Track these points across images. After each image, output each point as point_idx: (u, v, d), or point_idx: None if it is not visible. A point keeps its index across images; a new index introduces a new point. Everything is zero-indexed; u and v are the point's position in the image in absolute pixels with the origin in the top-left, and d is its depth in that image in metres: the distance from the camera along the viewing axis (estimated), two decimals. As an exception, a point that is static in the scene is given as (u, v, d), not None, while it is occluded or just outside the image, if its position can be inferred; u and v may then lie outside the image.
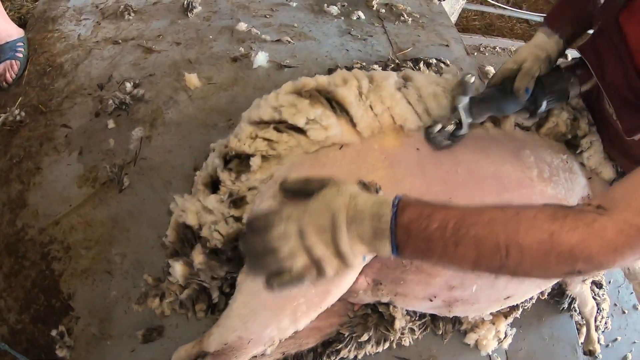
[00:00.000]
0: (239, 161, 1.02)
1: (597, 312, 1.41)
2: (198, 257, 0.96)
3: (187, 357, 0.87)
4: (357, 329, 1.04)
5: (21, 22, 1.75)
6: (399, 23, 1.88)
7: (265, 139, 0.99)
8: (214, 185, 1.06)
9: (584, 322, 1.37)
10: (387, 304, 1.05)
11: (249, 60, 1.56)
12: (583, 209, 0.68)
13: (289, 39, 1.67)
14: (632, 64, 0.91)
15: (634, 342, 1.51)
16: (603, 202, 0.68)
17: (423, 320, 1.12)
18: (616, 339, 1.48)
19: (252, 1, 1.82)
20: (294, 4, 1.84)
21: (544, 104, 1.03)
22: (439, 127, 1.01)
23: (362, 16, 1.84)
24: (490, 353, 1.16)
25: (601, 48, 0.98)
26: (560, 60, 1.11)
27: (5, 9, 1.60)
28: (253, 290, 0.85)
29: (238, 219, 0.97)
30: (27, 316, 1.08)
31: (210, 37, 1.63)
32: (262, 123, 1.02)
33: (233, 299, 0.88)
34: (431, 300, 1.00)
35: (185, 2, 1.72)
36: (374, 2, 1.92)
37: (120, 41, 1.59)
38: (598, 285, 1.45)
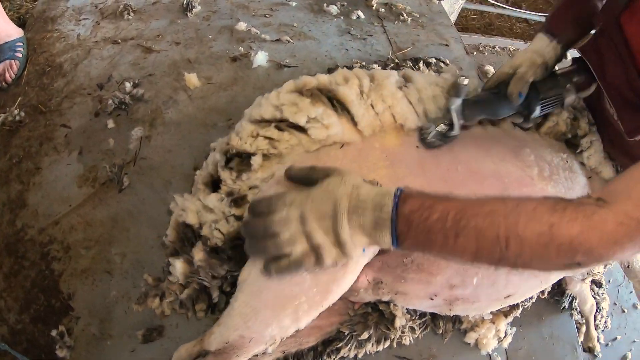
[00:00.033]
0: (239, 160, 1.02)
1: (597, 311, 1.41)
2: (198, 254, 0.96)
3: (188, 356, 0.87)
4: (358, 328, 1.04)
5: (20, 22, 1.75)
6: (398, 22, 1.88)
7: (266, 137, 0.99)
8: (214, 184, 1.06)
9: (584, 321, 1.37)
10: (387, 303, 1.05)
11: (248, 59, 1.55)
12: (583, 201, 0.69)
13: (289, 39, 1.67)
14: (633, 64, 0.91)
15: (634, 341, 1.51)
16: (603, 195, 0.68)
17: (423, 319, 1.12)
18: (616, 338, 1.48)
19: (251, 1, 1.82)
20: (294, 4, 1.84)
21: (538, 109, 1.04)
22: (431, 127, 1.01)
23: (362, 16, 1.84)
24: (490, 352, 1.16)
25: (602, 48, 0.98)
26: (560, 65, 1.12)
27: (5, 9, 1.60)
28: (254, 289, 0.85)
29: (239, 218, 0.97)
30: (27, 316, 1.08)
31: (210, 36, 1.63)
32: (263, 122, 1.02)
33: (234, 297, 0.88)
34: (432, 299, 1.00)
35: (185, 1, 1.72)
36: (373, 2, 1.92)
37: (119, 41, 1.59)
38: (598, 284, 1.45)
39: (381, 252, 0.93)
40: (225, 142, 1.08)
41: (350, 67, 1.47)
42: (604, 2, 1.01)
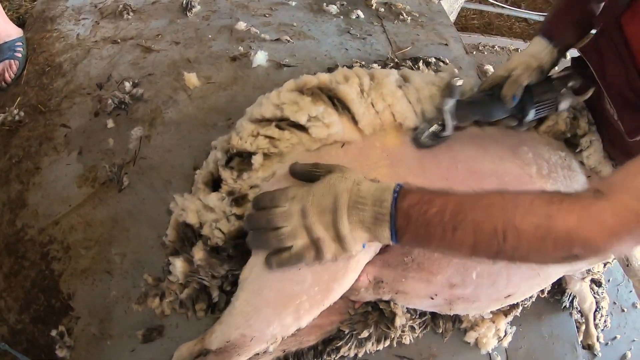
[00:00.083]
0: (240, 159, 1.02)
1: (597, 311, 1.42)
2: (198, 253, 0.96)
3: (189, 354, 0.87)
4: (358, 327, 1.04)
5: (20, 22, 1.74)
6: (398, 22, 1.88)
7: (267, 136, 0.99)
8: (214, 183, 1.06)
9: (583, 320, 1.37)
10: (387, 302, 1.05)
11: (248, 59, 1.55)
12: (580, 194, 0.69)
13: (288, 38, 1.67)
14: (633, 64, 0.91)
15: (634, 340, 1.51)
16: (601, 188, 0.68)
17: (423, 319, 1.12)
18: (615, 337, 1.48)
19: (251, 0, 1.82)
20: (293, 3, 1.84)
21: (532, 112, 1.04)
22: (423, 127, 1.01)
23: (361, 15, 1.84)
24: (490, 351, 1.16)
25: (603, 48, 0.98)
26: (559, 67, 1.12)
27: (4, 9, 1.60)
28: (256, 288, 0.85)
29: (240, 217, 0.97)
30: (27, 316, 1.08)
31: (210, 36, 1.63)
32: (264, 121, 1.02)
33: (235, 296, 0.88)
34: (432, 299, 1.01)
35: (184, 1, 1.72)
36: (373, 1, 1.92)
37: (119, 40, 1.59)
38: (597, 283, 1.45)
39: (382, 251, 0.94)
40: (226, 140, 1.08)
41: (350, 67, 1.47)
42: (605, 3, 1.01)
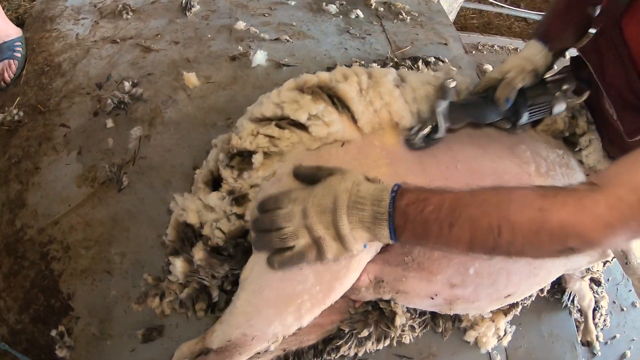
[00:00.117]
0: (240, 159, 1.02)
1: (596, 310, 1.42)
2: (199, 253, 0.96)
3: (190, 354, 0.87)
4: (358, 326, 1.04)
5: (19, 22, 1.74)
6: (397, 21, 1.88)
7: (267, 135, 0.99)
8: (214, 183, 1.06)
9: (583, 318, 1.37)
10: (388, 301, 1.05)
11: (247, 59, 1.55)
12: (575, 187, 0.69)
13: (288, 38, 1.67)
14: (633, 66, 0.91)
15: (633, 340, 1.51)
16: (596, 180, 0.68)
17: (423, 318, 1.12)
18: (615, 337, 1.48)
19: (250, 0, 1.82)
20: (293, 3, 1.84)
21: (525, 115, 1.04)
22: (416, 129, 1.01)
23: (361, 15, 1.84)
24: (490, 350, 1.17)
25: (602, 48, 0.98)
26: (558, 65, 1.12)
27: (3, 9, 1.60)
28: (257, 287, 0.85)
29: (240, 217, 0.97)
30: (27, 316, 1.07)
31: (209, 36, 1.63)
32: (264, 120, 1.02)
33: (236, 296, 0.88)
34: (432, 298, 1.01)
35: (184, 1, 1.72)
36: (372, 1, 1.92)
37: (118, 40, 1.59)
38: (597, 282, 1.45)
39: (383, 250, 0.94)
40: (226, 139, 1.08)
41: (349, 66, 1.47)
42: (603, 4, 1.01)
